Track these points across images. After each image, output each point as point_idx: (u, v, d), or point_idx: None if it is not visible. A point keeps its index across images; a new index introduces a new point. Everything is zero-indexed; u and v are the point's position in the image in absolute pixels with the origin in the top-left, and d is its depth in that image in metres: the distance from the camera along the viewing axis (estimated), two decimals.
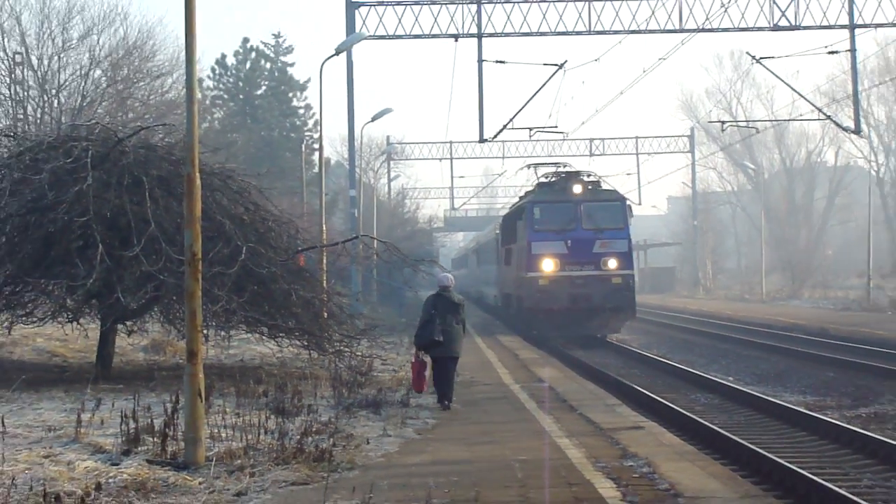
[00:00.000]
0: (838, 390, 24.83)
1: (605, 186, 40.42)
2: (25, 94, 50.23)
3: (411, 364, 20.34)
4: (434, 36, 41.45)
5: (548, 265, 36.68)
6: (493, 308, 55.19)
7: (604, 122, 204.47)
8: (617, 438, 14.94)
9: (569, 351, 35.05)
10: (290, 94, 75.53)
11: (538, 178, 42.28)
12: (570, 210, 37.25)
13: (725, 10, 40.77)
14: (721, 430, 18.01)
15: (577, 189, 37.45)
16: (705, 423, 19.07)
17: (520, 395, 21.03)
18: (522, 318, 40.82)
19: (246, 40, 74.21)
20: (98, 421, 15.65)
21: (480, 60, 40.53)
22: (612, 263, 36.80)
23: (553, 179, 39.93)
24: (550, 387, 22.05)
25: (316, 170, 50.79)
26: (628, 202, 39.56)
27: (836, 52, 41.98)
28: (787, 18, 40.88)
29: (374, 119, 54.34)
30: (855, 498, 12.70)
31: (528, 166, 46.71)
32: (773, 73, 42.71)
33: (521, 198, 45.67)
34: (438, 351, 19.11)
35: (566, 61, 39.02)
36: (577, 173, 39.48)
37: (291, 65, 76.39)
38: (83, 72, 51.64)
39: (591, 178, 39.55)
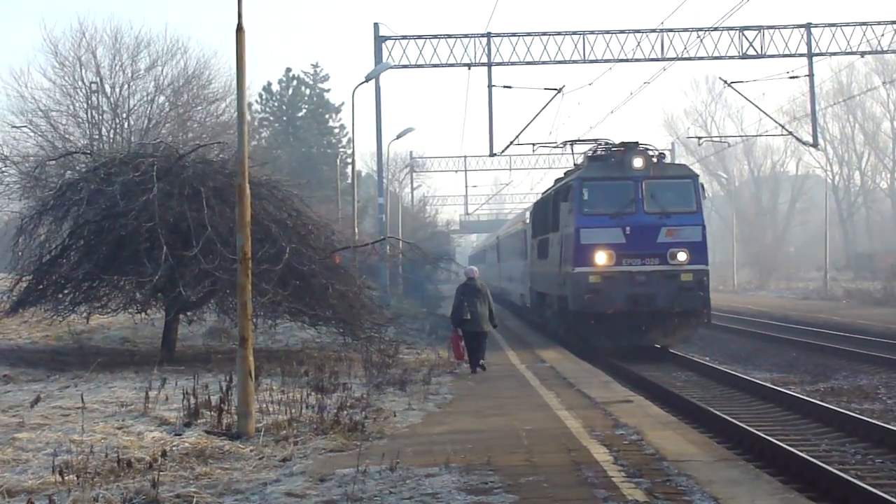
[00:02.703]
0: (800, 368, 24.79)
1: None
2: (100, 117, 50.34)
3: (451, 338, 22.68)
4: (450, 65, 41.34)
5: (601, 258, 25.13)
6: (520, 309, 42.86)
7: (597, 137, 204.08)
8: (609, 410, 14.90)
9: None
10: (327, 116, 75.69)
11: (574, 158, 31.98)
12: (629, 189, 25.68)
13: (701, 41, 40.68)
14: (699, 403, 18.03)
15: (638, 163, 25.72)
16: (685, 396, 19.10)
17: (526, 372, 20.98)
18: (565, 324, 28.27)
19: (288, 70, 74.34)
20: (163, 398, 15.66)
21: (490, 86, 40.43)
22: (682, 256, 25.11)
23: (606, 152, 28.19)
24: (551, 366, 22.03)
25: (349, 181, 50.93)
26: (701, 181, 27.79)
27: (797, 76, 41.85)
28: (753, 48, 40.75)
29: (398, 137, 54.49)
30: (814, 460, 12.70)
31: (565, 143, 33.11)
32: (742, 95, 42.41)
33: (563, 176, 31.86)
34: (468, 326, 21.37)
35: (564, 86, 38.69)
36: (636, 144, 27.09)
37: (328, 90, 76.66)
38: (149, 98, 51.78)
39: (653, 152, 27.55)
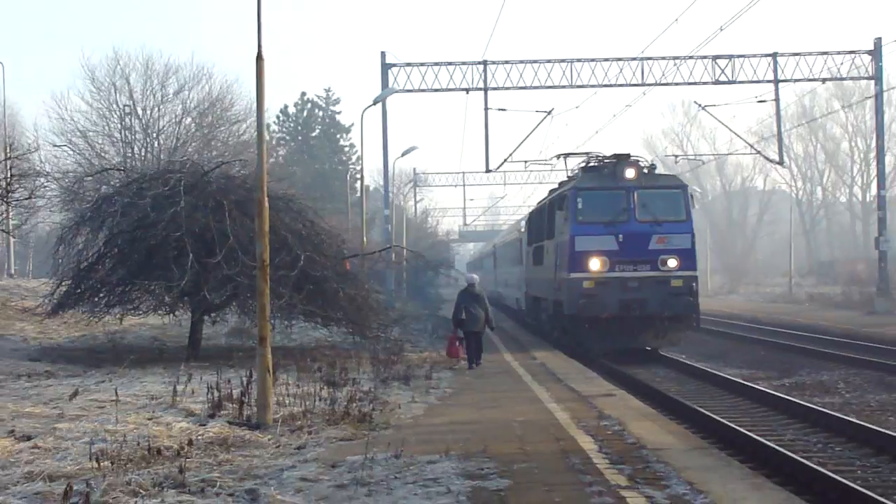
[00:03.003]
0: (767, 365, 24.77)
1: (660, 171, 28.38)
2: (133, 137, 50.42)
3: (449, 338, 23.13)
4: (450, 90, 41.38)
5: (594, 264, 24.19)
6: (516, 312, 41.14)
7: (589, 151, 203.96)
8: (595, 403, 14.89)
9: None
10: (338, 136, 75.83)
11: (568, 171, 30.16)
12: (622, 198, 24.69)
13: (677, 69, 40.74)
14: (676, 397, 18.04)
15: (630, 173, 24.90)
16: (664, 391, 19.09)
17: (519, 369, 20.93)
18: (560, 327, 27.21)
19: (303, 94, 74.68)
20: (189, 391, 15.65)
21: (486, 109, 40.47)
22: (672, 262, 24.15)
23: (599, 163, 26.98)
24: (542, 364, 21.99)
25: (358, 195, 50.80)
26: (691, 190, 26.84)
27: (764, 100, 41.87)
28: (725, 75, 40.78)
29: (403, 154, 54.38)
30: (780, 448, 12.71)
31: (559, 156, 31.11)
32: (714, 117, 42.55)
33: (557, 186, 30.76)
34: (466, 326, 21.77)
35: (553, 108, 38.65)
36: (627, 156, 26.07)
37: (339, 112, 76.80)
38: (177, 119, 51.93)
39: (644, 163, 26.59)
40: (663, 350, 26.56)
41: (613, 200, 24.74)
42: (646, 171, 25.36)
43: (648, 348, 26.05)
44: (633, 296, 23.97)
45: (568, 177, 29.25)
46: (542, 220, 30.17)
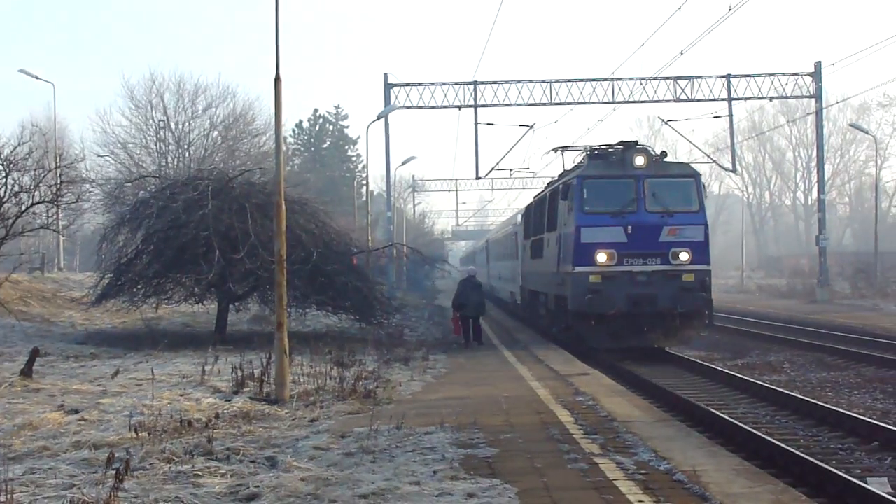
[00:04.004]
0: (723, 347, 24.73)
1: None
2: (166, 148, 50.43)
3: (452, 319, 23.73)
4: (444, 107, 41.35)
5: (601, 257, 19.92)
6: (508, 304, 37.43)
7: (560, 165, 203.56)
8: (571, 381, 14.88)
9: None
10: (346, 147, 75.86)
11: (564, 168, 25.05)
12: (631, 187, 20.36)
13: (643, 88, 40.74)
14: (642, 376, 17.99)
15: (640, 161, 20.53)
16: (631, 370, 19.04)
17: (505, 352, 20.92)
18: (563, 323, 22.33)
19: (316, 110, 74.78)
20: (216, 371, 15.65)
21: (476, 123, 40.39)
22: (684, 256, 19.95)
23: (606, 150, 22.12)
24: (525, 346, 21.98)
25: (364, 198, 50.84)
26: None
27: (719, 116, 41.81)
28: (685, 93, 40.78)
29: (403, 163, 54.63)
30: (733, 420, 12.71)
31: (555, 150, 25.56)
32: (676, 131, 42.11)
33: (556, 178, 25.65)
34: (464, 311, 22.42)
35: (535, 123, 38.48)
36: (635, 143, 21.96)
37: (347, 127, 76.85)
38: (205, 133, 51.99)
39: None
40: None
41: (621, 189, 20.39)
42: (655, 158, 20.85)
43: (657, 347, 21.59)
44: (642, 291, 19.75)
45: (565, 170, 24.76)
46: (541, 212, 25.47)
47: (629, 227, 20.00)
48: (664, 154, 21.29)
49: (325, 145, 75.00)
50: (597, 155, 21.95)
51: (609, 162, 21.25)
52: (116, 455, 8.48)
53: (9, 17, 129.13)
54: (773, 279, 60.78)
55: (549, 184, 26.36)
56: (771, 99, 44.42)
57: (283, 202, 14.04)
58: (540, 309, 25.87)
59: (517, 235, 31.96)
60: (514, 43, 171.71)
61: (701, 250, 20.21)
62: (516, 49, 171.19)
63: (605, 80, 40.76)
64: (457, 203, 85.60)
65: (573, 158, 24.50)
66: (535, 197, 28.66)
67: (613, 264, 19.87)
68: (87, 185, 42.18)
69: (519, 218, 32.63)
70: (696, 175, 21.15)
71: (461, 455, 8.93)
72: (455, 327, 23.28)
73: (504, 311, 38.23)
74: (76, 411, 12.26)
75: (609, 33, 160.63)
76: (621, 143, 21.63)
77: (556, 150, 25.57)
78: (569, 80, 41.02)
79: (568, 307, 20.75)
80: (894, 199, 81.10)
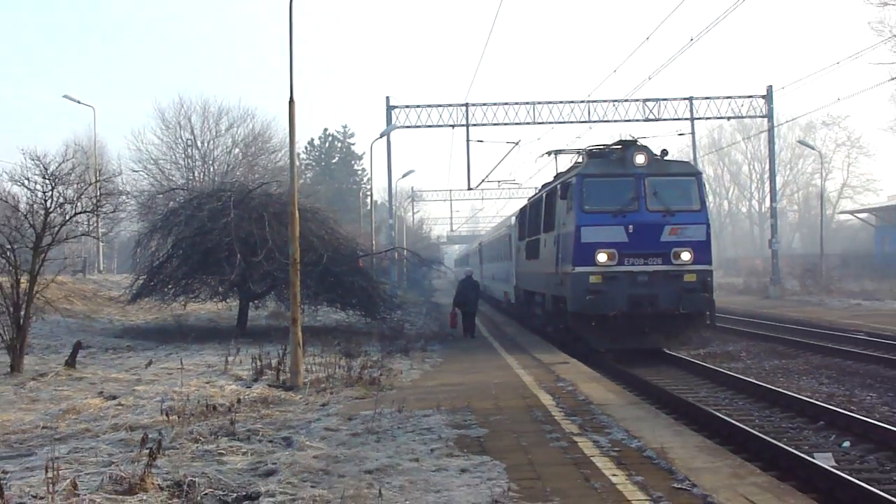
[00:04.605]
0: (686, 338, 24.64)
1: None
2: (193, 163, 50.44)
3: (451, 314, 24.02)
4: (439, 126, 41.37)
5: (602, 257, 17.67)
6: (500, 303, 35.21)
7: (543, 177, 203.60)
8: (553, 369, 14.87)
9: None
10: (352, 162, 75.86)
11: (557, 171, 22.67)
12: (631, 186, 18.03)
13: (616, 109, 40.79)
14: (615, 364, 17.93)
15: (640, 159, 18.25)
16: (606, 360, 18.96)
17: (494, 342, 20.89)
18: (561, 324, 19.90)
19: (325, 129, 75.10)
20: (238, 361, 15.65)
21: (468, 140, 40.37)
22: (686, 256, 17.71)
23: (606, 149, 19.62)
24: (512, 338, 21.96)
25: (368, 208, 50.78)
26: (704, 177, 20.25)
27: (683, 134, 41.79)
28: (653, 114, 40.82)
29: (403, 176, 54.59)
30: (696, 403, 12.73)
31: (549, 153, 23.91)
32: (646, 147, 42.52)
33: (552, 180, 22.34)
34: (462, 307, 22.92)
35: (520, 140, 38.63)
36: (634, 142, 19.35)
37: (353, 143, 76.94)
38: (228, 150, 52.04)
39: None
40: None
41: (622, 188, 18.00)
42: (656, 157, 18.49)
43: (655, 348, 19.22)
44: (642, 291, 17.53)
45: (559, 172, 22.29)
46: (537, 213, 22.73)
47: (630, 227, 17.72)
48: (665, 152, 18.83)
49: (334, 160, 74.99)
50: (596, 154, 19.37)
51: (609, 160, 18.73)
52: (150, 436, 8.48)
53: (56, 46, 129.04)
54: (731, 278, 60.74)
55: (544, 185, 23.40)
56: (728, 118, 44.41)
57: (297, 211, 14.05)
58: (536, 309, 23.24)
59: (511, 237, 29.73)
60: (501, 68, 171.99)
61: (703, 250, 17.91)
62: (504, 74, 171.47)
63: (582, 101, 40.80)
64: (451, 211, 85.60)
65: (568, 161, 22.80)
66: (529, 199, 25.79)
67: (614, 264, 17.60)
68: (124, 197, 42.27)
69: (513, 220, 30.08)
70: (697, 174, 18.91)
71: (455, 435, 8.92)
72: (452, 321, 23.60)
73: (496, 309, 36.65)
74: (114, 397, 12.25)
75: (585, 60, 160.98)
76: (620, 142, 19.29)
77: (549, 153, 23.99)
78: (550, 102, 41.05)
79: (567, 308, 18.28)
80: (837, 207, 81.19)
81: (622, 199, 17.88)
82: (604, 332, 17.93)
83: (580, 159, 20.13)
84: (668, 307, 17.55)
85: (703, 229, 18.03)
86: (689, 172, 18.82)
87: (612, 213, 17.76)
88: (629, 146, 18.76)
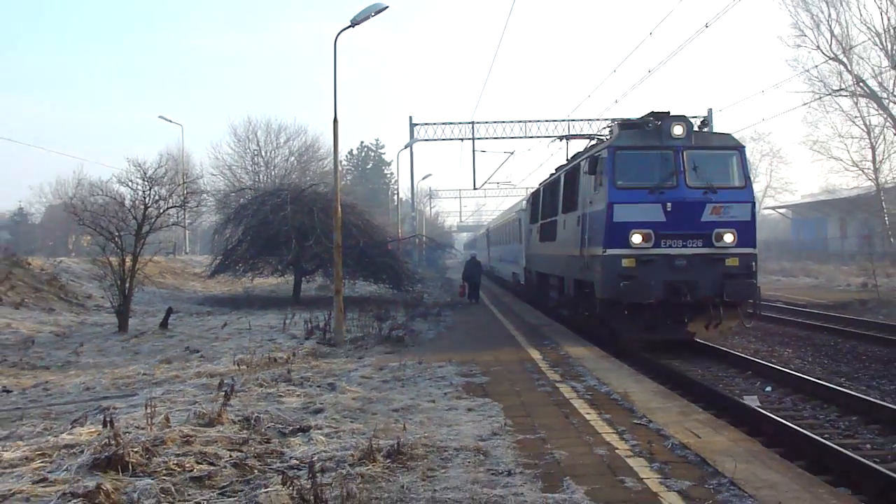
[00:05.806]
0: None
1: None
2: (259, 169, 50.41)
3: (460, 287, 24.06)
4: (451, 139, 41.26)
5: (636, 238, 11.87)
6: (506, 282, 30.26)
7: (536, 179, 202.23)
8: (540, 330, 14.67)
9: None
10: (383, 168, 75.53)
11: (567, 158, 17.04)
12: (669, 160, 12.21)
13: (591, 126, 40.46)
14: (591, 329, 17.61)
15: (679, 130, 12.32)
16: (583, 324, 18.70)
17: (494, 309, 20.84)
18: (587, 311, 13.80)
19: (362, 142, 75.22)
20: (293, 323, 15.68)
21: (473, 150, 40.14)
22: (729, 237, 11.94)
23: (640, 120, 13.20)
24: (509, 306, 21.88)
25: (395, 203, 50.67)
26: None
27: None
28: None
29: (423, 178, 54.95)
30: (650, 357, 12.60)
31: (560, 138, 19.29)
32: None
33: (565, 163, 16.79)
34: (468, 280, 22.98)
35: (514, 150, 38.81)
36: (667, 114, 12.92)
37: (384, 153, 76.51)
38: (286, 158, 51.94)
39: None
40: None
41: (659, 162, 12.42)
42: (696, 128, 13.07)
43: (689, 339, 13.34)
44: (680, 277, 12.00)
45: (571, 154, 16.78)
46: (553, 194, 17.29)
47: (668, 205, 12.13)
48: (704, 123, 13.92)
49: (368, 166, 74.77)
50: (629, 124, 13.39)
51: (644, 132, 12.85)
52: (224, 381, 8.51)
53: (153, 76, 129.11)
54: None
55: (559, 167, 17.75)
56: None
57: (339, 206, 14.04)
58: (551, 291, 18.02)
59: (521, 221, 24.66)
60: (501, 93, 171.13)
61: (747, 231, 12.33)
62: (503, 97, 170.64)
63: (563, 120, 40.51)
64: (460, 206, 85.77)
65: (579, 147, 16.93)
66: (541, 183, 20.05)
67: (650, 246, 12.06)
68: (204, 195, 42.14)
69: (524, 204, 25.00)
70: (740, 147, 12.92)
71: (463, 382, 8.90)
72: (461, 292, 23.70)
73: (502, 288, 32.21)
74: (197, 351, 12.30)
75: (566, 87, 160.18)
76: (651, 113, 13.25)
77: (561, 138, 19.40)
78: (538, 120, 40.81)
79: (596, 294, 12.77)
80: (762, 204, 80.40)
81: (659, 174, 12.33)
82: (636, 322, 12.41)
83: (611, 130, 14.10)
84: (709, 294, 12.09)
85: (748, 208, 12.44)
86: (731, 145, 12.94)
87: (648, 189, 12.17)
88: (665, 117, 12.88)
